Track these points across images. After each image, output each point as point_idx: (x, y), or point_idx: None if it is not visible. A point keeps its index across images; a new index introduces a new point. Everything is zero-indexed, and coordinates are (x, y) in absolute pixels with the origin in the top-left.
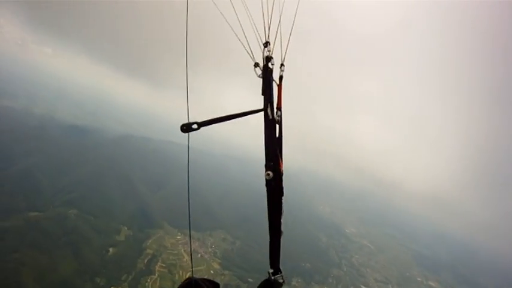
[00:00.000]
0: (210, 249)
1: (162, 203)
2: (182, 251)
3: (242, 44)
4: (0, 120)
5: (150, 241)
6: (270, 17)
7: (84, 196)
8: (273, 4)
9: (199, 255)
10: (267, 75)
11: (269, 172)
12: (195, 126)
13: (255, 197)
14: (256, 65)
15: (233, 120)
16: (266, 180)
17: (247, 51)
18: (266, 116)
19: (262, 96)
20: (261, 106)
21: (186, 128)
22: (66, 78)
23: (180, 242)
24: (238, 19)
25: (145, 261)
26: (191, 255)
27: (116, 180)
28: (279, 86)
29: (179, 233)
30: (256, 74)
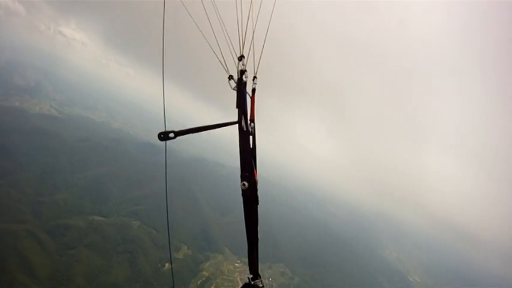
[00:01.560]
0: (266, 281)
1: (227, 228)
2: (238, 279)
3: (217, 56)
4: (81, 129)
5: (207, 264)
6: (245, 31)
7: (149, 210)
8: (248, 19)
9: None
10: (241, 88)
11: (244, 182)
12: (172, 135)
13: (323, 235)
14: (230, 77)
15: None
16: (242, 190)
17: (222, 64)
18: (240, 128)
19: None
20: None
21: (164, 136)
22: (145, 99)
23: (237, 269)
24: (214, 33)
25: (199, 282)
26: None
27: (184, 200)
28: (252, 98)
29: (238, 261)
30: (231, 86)
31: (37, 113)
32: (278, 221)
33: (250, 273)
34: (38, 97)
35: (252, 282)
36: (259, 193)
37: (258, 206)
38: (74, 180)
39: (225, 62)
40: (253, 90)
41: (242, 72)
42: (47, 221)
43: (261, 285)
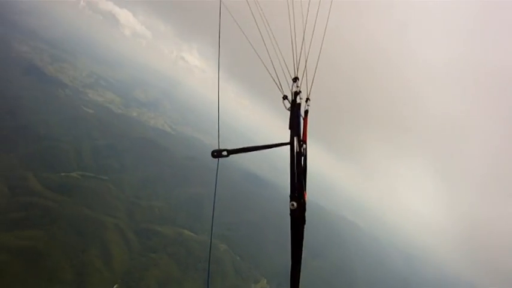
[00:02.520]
0: None
1: (314, 271)
2: None
3: (272, 77)
4: (190, 148)
5: None
6: (299, 53)
7: (240, 237)
8: (303, 42)
9: None
10: (294, 109)
11: (293, 202)
12: (225, 153)
13: None
14: (285, 97)
15: None
16: (290, 209)
17: (277, 84)
18: (292, 149)
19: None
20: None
21: (217, 153)
22: (257, 130)
23: None
24: (269, 55)
25: None
26: None
27: (276, 235)
28: (305, 120)
29: None
30: (285, 107)
31: (151, 126)
32: (362, 268)
33: None
34: (154, 112)
35: None
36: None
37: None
38: (173, 192)
39: (279, 82)
40: (306, 111)
41: (296, 93)
42: (138, 222)
43: None
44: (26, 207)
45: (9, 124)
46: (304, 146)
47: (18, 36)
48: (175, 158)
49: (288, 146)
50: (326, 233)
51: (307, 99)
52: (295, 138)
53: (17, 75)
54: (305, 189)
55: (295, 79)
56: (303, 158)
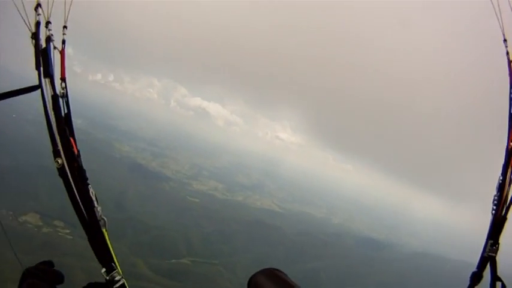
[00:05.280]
0: None
1: None
2: None
3: (18, 9)
4: (301, 224)
5: None
6: None
7: None
8: None
9: None
10: (38, 43)
11: (58, 159)
12: None
13: None
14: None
15: None
16: (57, 169)
17: (24, 20)
18: (42, 93)
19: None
20: None
21: None
22: (364, 192)
23: None
24: None
25: None
26: None
27: None
28: (62, 52)
29: None
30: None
31: (259, 208)
32: None
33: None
34: (259, 194)
35: None
36: None
37: None
38: (288, 270)
39: (27, 15)
40: (63, 41)
41: (38, 24)
42: None
43: None
44: None
45: (117, 216)
46: (64, 84)
47: (119, 139)
48: (286, 235)
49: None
50: (455, 285)
51: (64, 26)
52: (46, 80)
53: (122, 173)
54: (73, 137)
55: (38, 6)
56: (64, 100)
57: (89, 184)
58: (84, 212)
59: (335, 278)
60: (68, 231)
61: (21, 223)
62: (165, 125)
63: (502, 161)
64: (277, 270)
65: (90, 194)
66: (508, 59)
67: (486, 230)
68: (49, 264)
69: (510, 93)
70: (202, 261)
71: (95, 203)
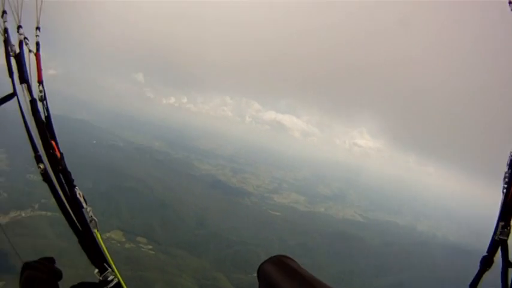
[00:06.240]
0: None
1: None
2: None
3: None
4: (385, 234)
5: None
6: None
7: None
8: None
9: None
10: (8, 51)
11: (40, 165)
12: None
13: None
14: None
15: None
16: (41, 174)
17: None
18: (18, 100)
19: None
20: None
21: None
22: (448, 195)
23: None
24: None
25: None
26: None
27: None
28: (37, 54)
29: None
30: (8, 53)
31: (341, 218)
32: None
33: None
34: (341, 204)
35: None
36: None
37: None
38: (372, 283)
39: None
40: (37, 43)
41: (7, 30)
42: None
43: None
44: None
45: (200, 232)
46: (42, 87)
47: (199, 158)
48: (370, 246)
49: None
50: None
51: (37, 28)
52: (22, 86)
53: (203, 191)
54: (55, 140)
55: (3, 13)
56: (44, 103)
57: (75, 186)
58: (72, 214)
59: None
60: (150, 246)
61: (105, 239)
62: (243, 141)
63: None
64: (286, 257)
65: (77, 195)
66: None
67: None
68: (50, 260)
69: None
70: None
71: (83, 204)
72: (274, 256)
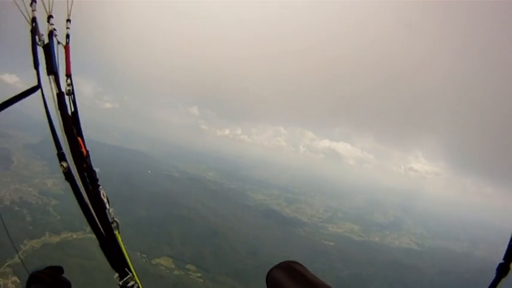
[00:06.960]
0: None
1: None
2: None
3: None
4: (442, 262)
5: None
6: None
7: None
8: None
9: None
10: (35, 41)
11: (63, 163)
12: None
13: None
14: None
15: None
16: (64, 173)
17: (25, 17)
18: (43, 93)
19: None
20: None
21: None
22: (509, 217)
23: None
24: None
25: None
26: None
27: None
28: (66, 47)
29: None
30: (39, 43)
31: (396, 247)
32: None
33: None
34: (397, 232)
35: None
36: None
37: None
38: None
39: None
40: (67, 36)
41: (35, 19)
42: None
43: None
44: None
45: (251, 261)
46: (70, 81)
47: (252, 188)
48: (425, 275)
49: None
50: None
51: (68, 20)
52: (50, 77)
53: (257, 220)
54: (81, 137)
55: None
56: (71, 98)
57: (99, 185)
58: (95, 215)
59: None
60: (199, 274)
61: (154, 265)
62: (297, 170)
63: None
64: (295, 263)
65: (101, 195)
66: None
67: None
68: (58, 270)
69: None
70: None
71: (107, 205)
72: (283, 262)
